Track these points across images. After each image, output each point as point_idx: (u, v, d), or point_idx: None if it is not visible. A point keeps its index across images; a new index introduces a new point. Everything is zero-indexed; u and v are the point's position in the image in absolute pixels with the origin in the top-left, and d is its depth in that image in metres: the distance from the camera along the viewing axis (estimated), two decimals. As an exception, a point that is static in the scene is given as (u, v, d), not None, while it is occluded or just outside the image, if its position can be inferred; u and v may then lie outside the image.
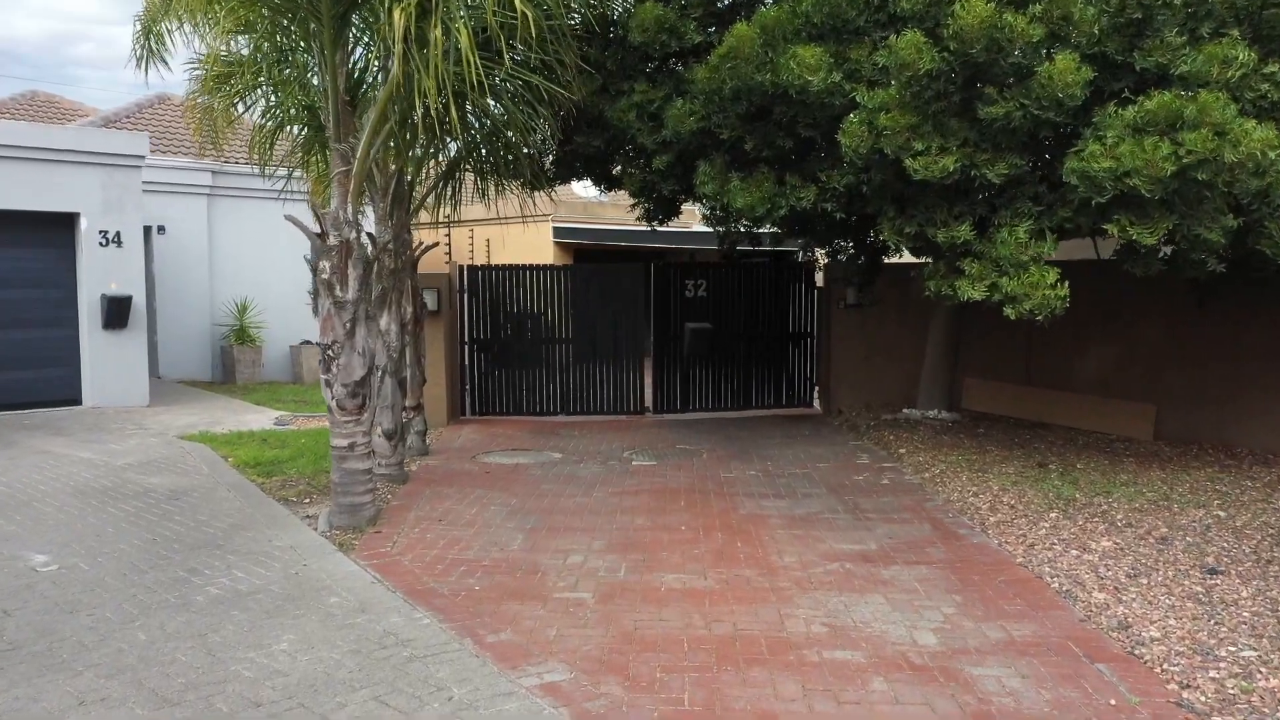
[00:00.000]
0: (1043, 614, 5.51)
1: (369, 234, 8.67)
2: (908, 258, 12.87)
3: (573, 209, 20.27)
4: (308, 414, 13.84)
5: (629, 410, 12.95)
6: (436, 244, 10.45)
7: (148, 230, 16.38)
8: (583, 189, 21.47)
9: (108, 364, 13.60)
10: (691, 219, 22.04)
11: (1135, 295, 10.22)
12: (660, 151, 9.03)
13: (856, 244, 11.56)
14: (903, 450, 10.24)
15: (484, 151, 9.62)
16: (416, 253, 10.30)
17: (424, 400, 10.59)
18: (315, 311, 7.05)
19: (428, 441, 10.84)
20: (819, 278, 13.55)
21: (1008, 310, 7.22)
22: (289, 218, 7.36)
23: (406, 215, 9.57)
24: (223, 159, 16.68)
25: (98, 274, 13.47)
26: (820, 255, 12.97)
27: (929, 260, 8.05)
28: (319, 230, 7.12)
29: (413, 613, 5.53)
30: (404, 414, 10.27)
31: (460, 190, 10.17)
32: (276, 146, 10.01)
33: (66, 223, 13.40)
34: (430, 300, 12.41)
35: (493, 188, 10.12)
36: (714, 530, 7.35)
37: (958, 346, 11.70)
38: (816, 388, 13.71)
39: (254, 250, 17.42)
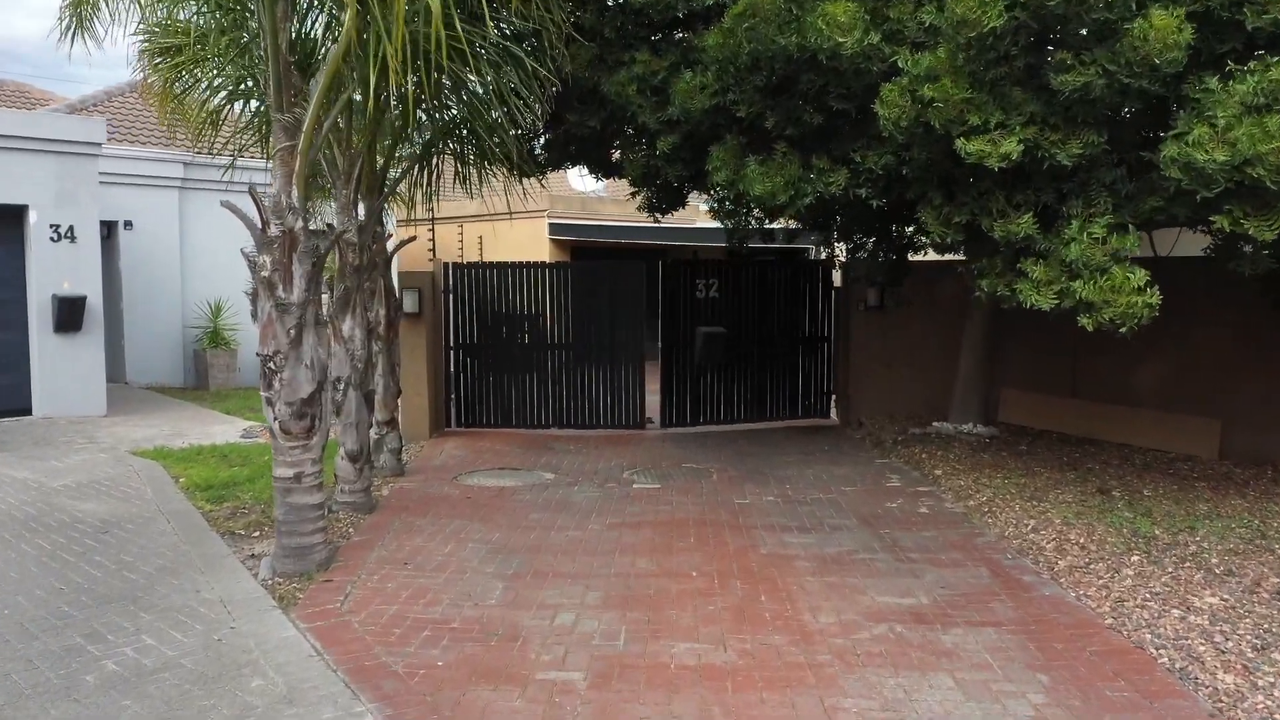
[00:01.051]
0: (1159, 705, 4.27)
1: (328, 225, 7.44)
2: (932, 254, 11.69)
3: (569, 204, 19.03)
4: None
5: (627, 424, 11.67)
6: (413, 238, 9.21)
7: (111, 225, 15.16)
8: (578, 178, 20.22)
9: (60, 370, 12.35)
10: (695, 214, 20.81)
11: (1199, 296, 8.98)
12: (665, 132, 7.79)
13: (883, 238, 10.32)
14: (938, 471, 9.00)
15: (464, 132, 8.36)
16: (391, 248, 9.07)
17: (400, 413, 9.34)
18: (254, 316, 5.77)
19: (404, 460, 9.60)
20: (836, 277, 12.30)
21: (1083, 321, 5.99)
22: (225, 204, 6.11)
23: (376, 204, 8.32)
24: (195, 149, 15.42)
25: (49, 272, 12.22)
26: (839, 252, 11.70)
27: (984, 258, 6.79)
28: (259, 219, 5.89)
29: (353, 705, 4.29)
30: (376, 430, 9.05)
31: (438, 178, 8.91)
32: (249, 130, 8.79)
33: (14, 216, 12.15)
34: (410, 301, 11.18)
35: (475, 174, 8.85)
36: (730, 576, 6.11)
37: (995, 354, 10.45)
38: (833, 397, 12.47)
39: (230, 247, 15.95)
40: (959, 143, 5.75)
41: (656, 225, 19.17)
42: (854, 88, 6.58)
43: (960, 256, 11.87)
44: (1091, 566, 6.17)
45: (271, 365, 5.94)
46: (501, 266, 11.72)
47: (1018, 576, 6.08)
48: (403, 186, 9.16)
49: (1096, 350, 10.21)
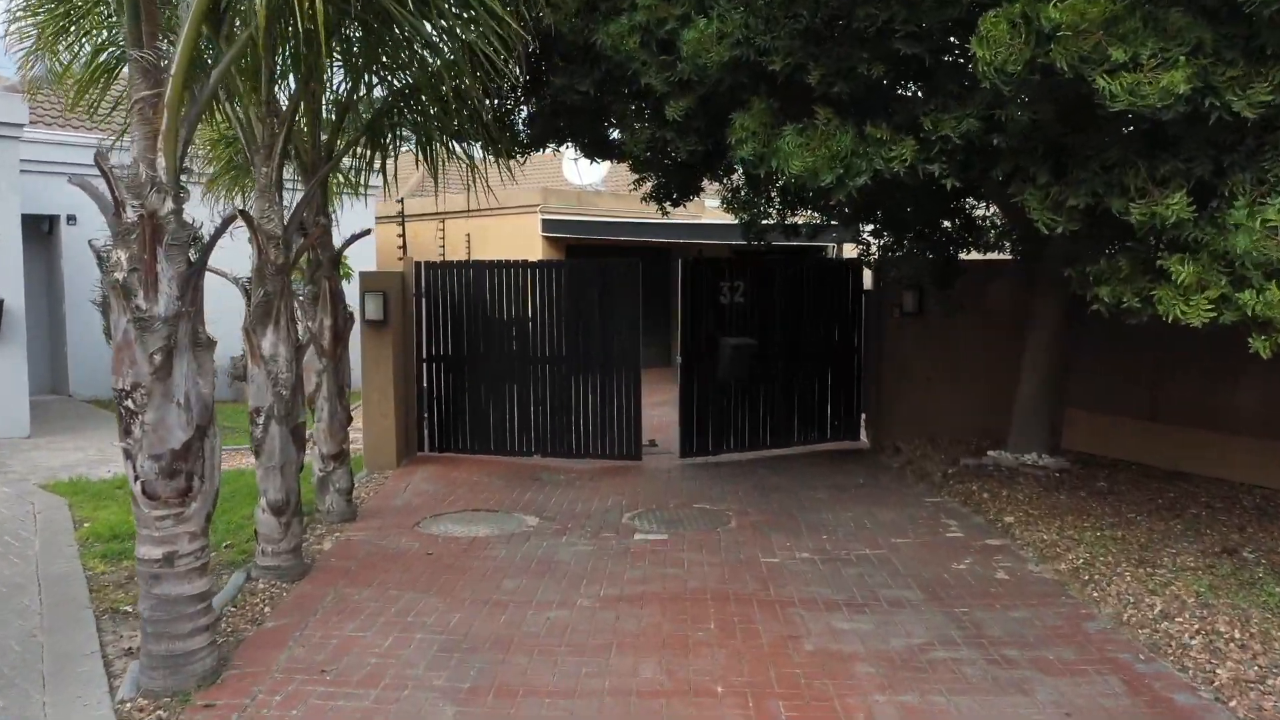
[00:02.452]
0: None
1: (241, 211, 5.69)
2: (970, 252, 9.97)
3: (564, 199, 17.27)
4: (233, 446, 10.85)
5: (623, 453, 9.77)
6: (367, 231, 7.45)
7: (51, 220, 13.43)
8: (573, 169, 18.44)
9: (-28, 386, 10.59)
10: (699, 209, 19.04)
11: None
12: (675, 95, 6.03)
13: (927, 232, 8.54)
14: (1008, 518, 7.23)
15: (423, 99, 6.59)
16: (339, 243, 7.32)
17: (351, 441, 7.58)
18: (107, 335, 3.97)
19: (357, 500, 7.85)
20: (865, 279, 10.54)
21: (1256, 344, 4.26)
22: (75, 181, 4.35)
23: (312, 187, 6.57)
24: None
25: (-41, 273, 10.45)
26: (872, 250, 9.91)
27: (1102, 256, 5.02)
28: (110, 197, 4.13)
29: None
30: (320, 466, 7.30)
31: (394, 157, 7.12)
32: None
33: (-82, 208, 10.39)
34: (373, 307, 9.42)
35: (441, 152, 7.09)
36: (769, 694, 4.36)
37: (1065, 369, 8.67)
38: (863, 416, 10.70)
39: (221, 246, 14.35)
40: (1100, 82, 3.99)
41: (659, 222, 17.38)
42: (930, 24, 4.83)
43: (1005, 255, 10.20)
44: (1271, 682, 4.41)
45: (130, 404, 4.18)
46: (479, 266, 9.96)
47: (1167, 695, 4.33)
48: (351, 165, 7.36)
49: (1184, 366, 8.46)
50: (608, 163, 18.84)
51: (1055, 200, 4.81)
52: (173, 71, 4.10)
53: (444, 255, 17.36)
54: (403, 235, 13.37)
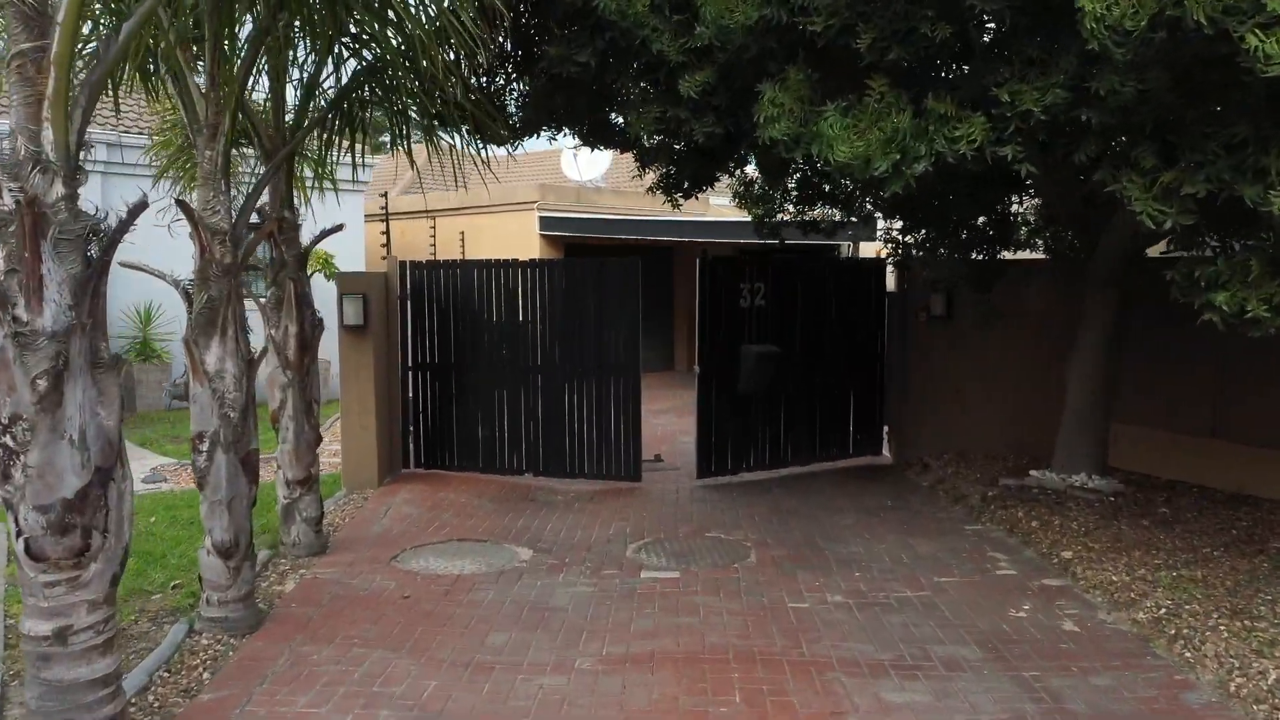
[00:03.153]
0: None
1: (179, 201, 4.79)
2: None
3: (562, 195, 16.36)
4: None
5: (621, 473, 8.72)
6: (339, 227, 6.53)
7: (14, 217, 12.43)
8: (572, 164, 17.51)
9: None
10: (704, 207, 18.12)
11: None
12: (691, 67, 5.12)
13: (962, 229, 7.63)
14: (1066, 553, 6.32)
15: (397, 75, 5.67)
16: (307, 240, 6.42)
17: (318, 468, 6.65)
18: None
19: (328, 528, 6.95)
20: (888, 280, 9.64)
21: None
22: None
23: (271, 173, 5.66)
24: (121, 127, 12.79)
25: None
26: (887, 246, 8.97)
27: (1220, 256, 4.11)
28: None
29: None
30: (286, 492, 6.40)
31: (365, 140, 6.20)
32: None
33: None
34: (353, 311, 8.52)
35: (422, 138, 6.18)
36: (818, 802, 3.45)
37: (1117, 381, 7.76)
38: (886, 429, 9.80)
39: (162, 242, 13.35)
40: (1250, 40, 3.08)
41: (662, 219, 16.47)
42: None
43: (1033, 254, 9.30)
44: None
45: (9, 440, 3.26)
46: (467, 266, 9.04)
47: (1315, 804, 3.43)
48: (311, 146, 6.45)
49: (1249, 377, 7.57)
50: (609, 154, 17.98)
51: (1168, 188, 3.90)
52: (61, 18, 3.19)
53: (435, 255, 16.44)
54: (386, 232, 12.43)
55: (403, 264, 9.23)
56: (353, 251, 15.04)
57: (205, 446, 4.95)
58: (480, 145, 6.25)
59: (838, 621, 5.26)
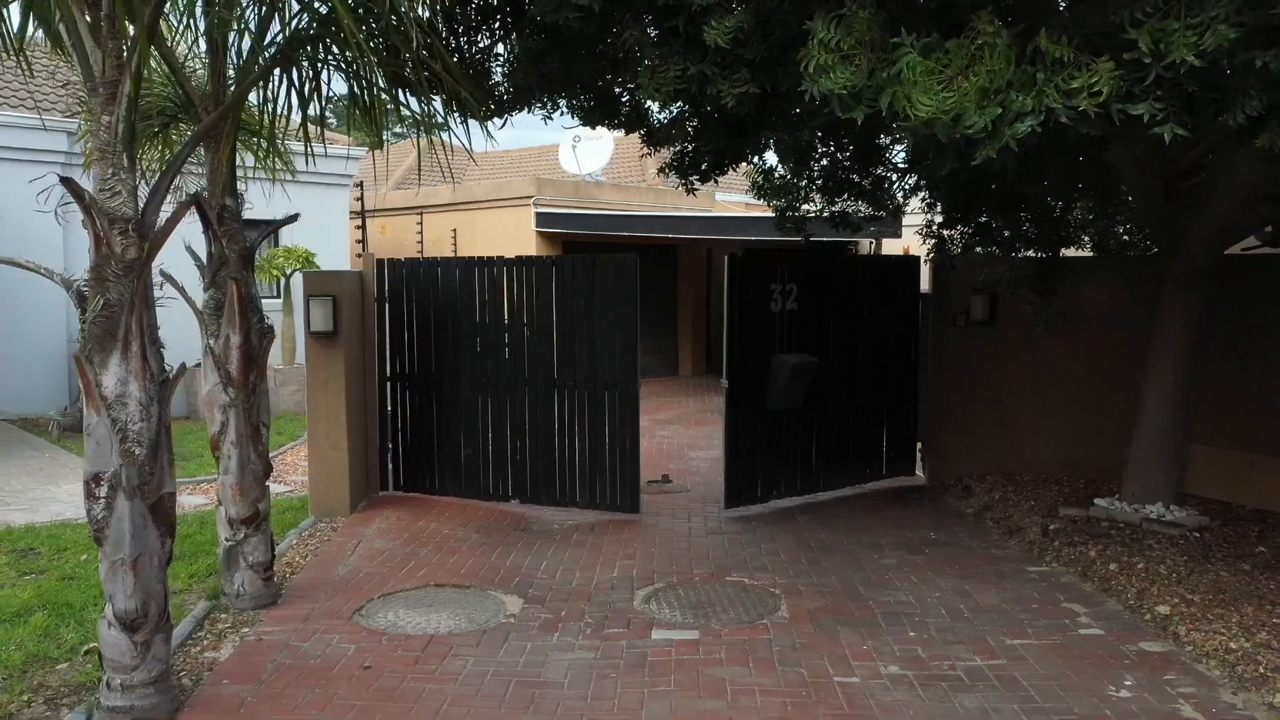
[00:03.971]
0: None
1: (65, 180, 3.72)
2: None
3: (560, 189, 15.27)
4: (185, 479, 8.84)
5: (609, 503, 7.48)
6: (295, 217, 5.46)
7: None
8: (568, 152, 16.42)
9: None
10: (709, 202, 17.04)
11: None
12: (717, 10, 4.02)
13: (1011, 222, 6.54)
14: (1161, 606, 5.25)
15: (354, 28, 4.56)
16: (258, 233, 5.35)
17: (268, 504, 5.57)
18: None
19: (282, 572, 5.90)
20: (918, 280, 8.56)
21: None
22: None
23: (193, 144, 4.58)
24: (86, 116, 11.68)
25: None
26: (927, 242, 7.88)
27: None
28: None
29: None
30: (229, 533, 5.33)
31: (321, 104, 5.08)
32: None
33: None
34: (320, 315, 7.44)
35: (387, 103, 5.09)
36: None
37: (1193, 393, 6.68)
38: (919, 445, 8.72)
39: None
40: None
41: (667, 215, 15.41)
42: None
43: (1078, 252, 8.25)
44: None
45: None
46: (449, 264, 7.94)
47: None
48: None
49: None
50: (610, 146, 16.88)
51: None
52: None
53: (422, 253, 15.37)
54: (362, 227, 11.32)
55: (380, 262, 8.15)
56: (337, 249, 13.97)
57: (103, 492, 3.87)
58: (460, 118, 5.16)
59: (899, 704, 4.19)
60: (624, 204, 15.72)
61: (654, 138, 6.48)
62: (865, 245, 13.73)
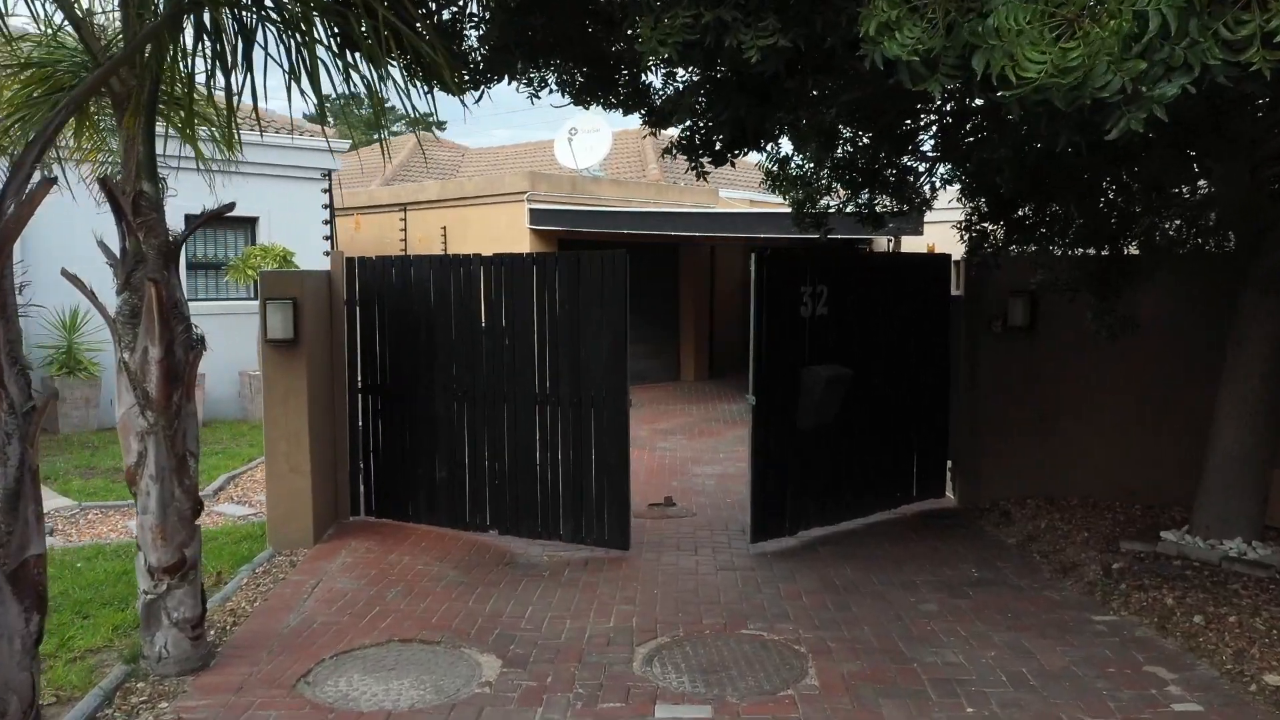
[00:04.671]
0: None
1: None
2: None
3: (556, 185, 14.35)
4: (115, 502, 7.97)
5: (597, 538, 6.43)
6: (231, 206, 4.54)
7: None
8: (564, 146, 15.50)
9: None
10: (711, 198, 16.13)
11: None
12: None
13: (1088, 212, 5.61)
14: (1271, 677, 4.34)
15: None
16: (184, 226, 4.44)
17: (197, 548, 4.64)
18: None
19: (215, 626, 4.99)
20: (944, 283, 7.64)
21: None
22: None
23: (70, 107, 3.71)
24: None
25: None
26: (966, 237, 6.96)
27: None
28: None
29: None
30: (151, 584, 4.42)
31: (246, 65, 4.14)
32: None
33: None
34: (278, 320, 6.54)
35: (340, 67, 4.17)
36: None
37: (1278, 414, 5.78)
38: (949, 464, 7.81)
39: (90, 238, 11.41)
40: None
41: (668, 211, 14.48)
42: None
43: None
44: None
45: None
46: (421, 263, 7.02)
47: None
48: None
49: None
50: (609, 139, 15.96)
51: None
52: None
53: (405, 251, 14.47)
54: (330, 222, 10.37)
55: (350, 261, 7.24)
56: (319, 248, 13.04)
57: (-59, 559, 2.95)
58: (424, 88, 4.25)
59: (969, 819, 3.28)
60: (623, 200, 14.80)
61: (657, 117, 5.56)
62: (883, 244, 12.80)
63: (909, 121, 6.14)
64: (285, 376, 6.62)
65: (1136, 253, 5.97)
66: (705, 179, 5.68)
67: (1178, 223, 6.83)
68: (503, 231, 13.71)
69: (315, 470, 6.71)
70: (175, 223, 4.49)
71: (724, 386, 15.35)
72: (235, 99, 4.12)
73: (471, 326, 6.75)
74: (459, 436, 6.84)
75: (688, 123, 5.28)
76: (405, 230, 14.59)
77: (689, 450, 10.24)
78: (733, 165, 6.09)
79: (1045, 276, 5.82)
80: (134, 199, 4.26)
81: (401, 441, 7.08)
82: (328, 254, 7.61)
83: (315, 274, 7.09)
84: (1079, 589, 5.63)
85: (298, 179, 12.92)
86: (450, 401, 6.84)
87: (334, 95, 4.36)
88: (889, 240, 12.18)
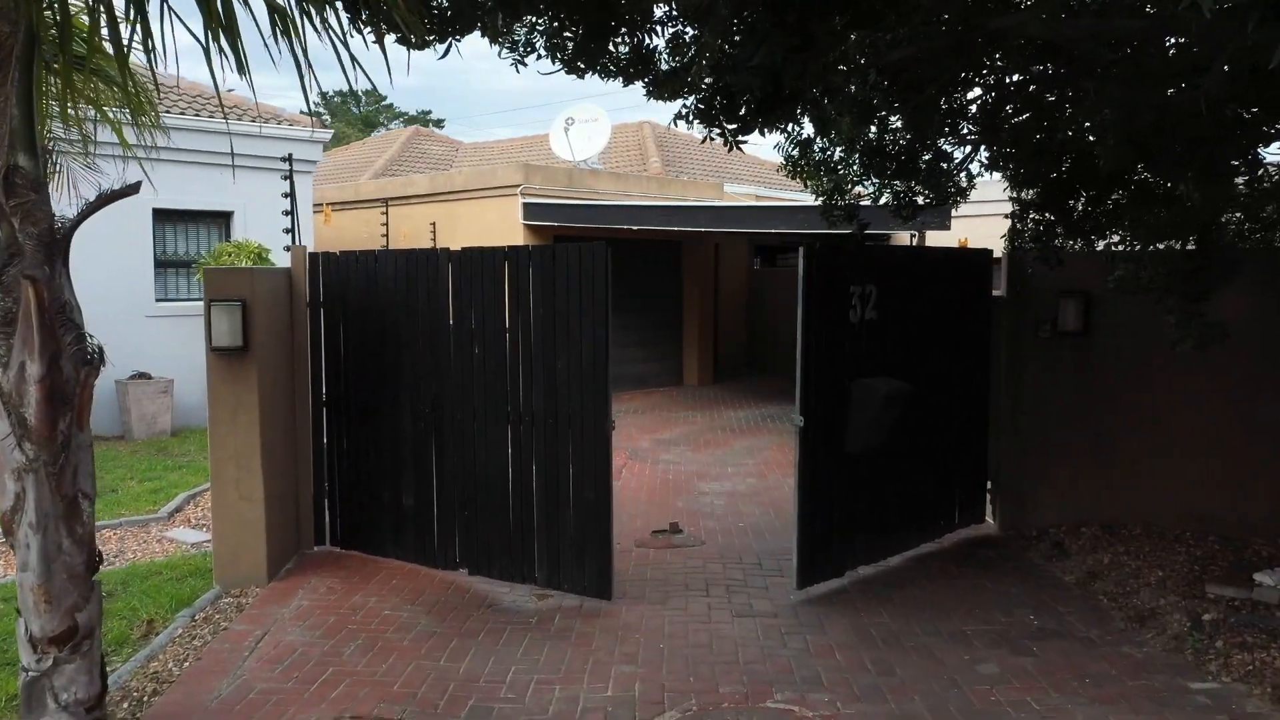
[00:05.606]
0: None
1: None
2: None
3: (551, 178, 13.43)
4: (110, 522, 7.01)
5: (574, 584, 5.43)
6: (136, 186, 3.63)
7: None
8: (560, 137, 14.58)
9: None
10: (716, 191, 15.21)
11: None
12: None
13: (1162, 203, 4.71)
14: None
15: None
16: (72, 215, 3.53)
17: (93, 612, 3.72)
18: None
19: (134, 695, 4.10)
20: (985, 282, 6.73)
21: None
22: None
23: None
24: None
25: None
26: (1028, 227, 6.05)
27: None
28: None
29: None
30: (35, 660, 3.50)
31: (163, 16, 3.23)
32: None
33: None
34: (225, 325, 5.64)
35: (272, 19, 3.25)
36: None
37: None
38: (990, 484, 6.89)
39: (80, 231, 10.47)
40: None
41: (670, 205, 13.53)
42: None
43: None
44: None
45: None
46: (384, 259, 6.09)
47: None
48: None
49: None
50: (607, 129, 15.02)
51: None
52: None
53: (387, 246, 13.53)
54: (290, 212, 9.41)
55: (314, 257, 6.33)
56: (305, 245, 12.10)
57: None
58: (374, 39, 3.33)
59: None
60: (622, 193, 13.88)
61: (661, 86, 4.65)
62: (905, 239, 11.88)
63: (953, 93, 5.21)
64: (233, 390, 5.71)
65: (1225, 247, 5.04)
66: (739, 148, 4.64)
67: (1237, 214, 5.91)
68: (494, 227, 12.80)
69: (270, 497, 5.80)
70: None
71: (729, 391, 14.44)
72: (125, 49, 3.19)
73: (440, 331, 5.82)
74: (425, 459, 5.91)
75: (707, 81, 4.30)
76: (387, 225, 13.66)
77: (694, 463, 9.34)
78: (763, 133, 5.17)
79: (1125, 272, 4.90)
80: (4, 176, 3.35)
81: (367, 462, 6.16)
82: (288, 249, 6.67)
83: (271, 272, 6.18)
84: (1162, 644, 4.72)
85: (275, 170, 12.01)
86: (416, 419, 5.91)
87: (269, 51, 3.45)
88: (912, 235, 11.25)
